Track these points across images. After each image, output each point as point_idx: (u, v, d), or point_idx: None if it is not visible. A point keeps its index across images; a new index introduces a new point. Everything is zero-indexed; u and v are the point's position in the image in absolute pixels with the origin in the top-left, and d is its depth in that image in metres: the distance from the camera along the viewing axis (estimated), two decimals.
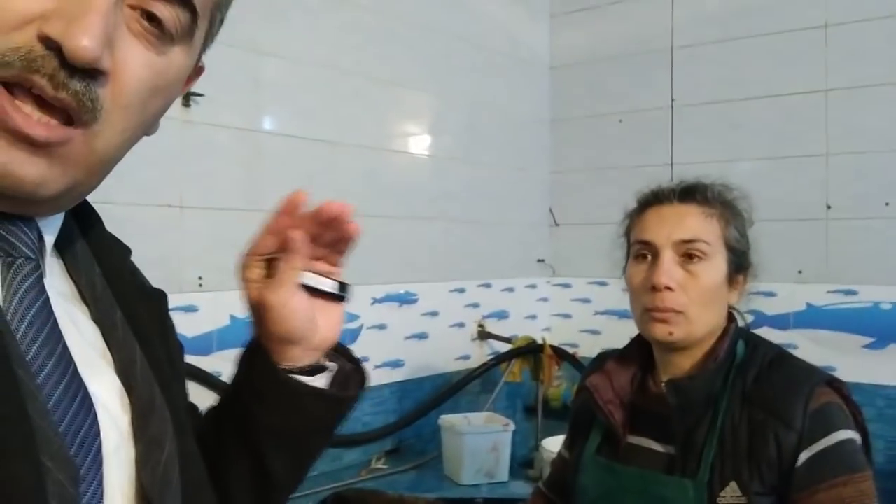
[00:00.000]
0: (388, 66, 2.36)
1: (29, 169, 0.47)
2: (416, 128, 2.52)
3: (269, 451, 0.70)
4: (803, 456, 1.10)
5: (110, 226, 0.67)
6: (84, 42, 0.45)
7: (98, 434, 0.50)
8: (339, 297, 0.71)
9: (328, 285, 0.70)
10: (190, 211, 1.85)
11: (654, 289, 1.20)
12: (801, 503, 1.10)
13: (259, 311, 0.68)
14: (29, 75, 0.45)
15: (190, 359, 1.79)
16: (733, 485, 1.13)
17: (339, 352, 0.75)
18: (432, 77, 2.53)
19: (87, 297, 0.57)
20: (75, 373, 0.50)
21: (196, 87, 1.98)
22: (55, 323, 0.50)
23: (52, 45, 0.45)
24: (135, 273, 0.66)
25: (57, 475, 0.45)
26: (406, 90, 2.45)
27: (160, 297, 0.67)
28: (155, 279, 0.68)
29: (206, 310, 1.86)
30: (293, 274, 0.67)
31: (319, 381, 0.71)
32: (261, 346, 0.69)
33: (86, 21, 0.45)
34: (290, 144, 2.08)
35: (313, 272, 0.69)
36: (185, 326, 1.82)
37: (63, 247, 0.57)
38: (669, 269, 1.20)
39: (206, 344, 1.87)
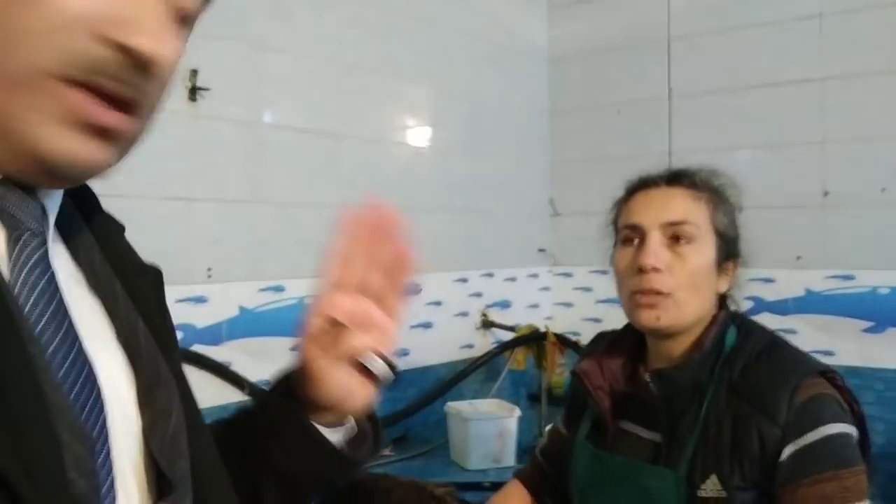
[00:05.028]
0: (388, 60, 2.39)
1: (99, 156, 0.50)
2: (417, 120, 2.54)
3: (267, 486, 0.70)
4: (788, 450, 1.07)
5: (120, 219, 0.67)
6: (155, 46, 0.48)
7: (103, 406, 0.50)
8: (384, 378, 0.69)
9: (381, 370, 0.68)
10: (198, 204, 1.87)
11: (641, 270, 1.18)
12: (783, 497, 1.08)
13: (304, 369, 0.69)
14: (95, 78, 0.47)
15: (199, 349, 1.85)
16: (714, 478, 1.11)
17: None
18: (432, 70, 2.55)
19: (87, 272, 0.58)
20: (80, 347, 0.50)
21: (202, 81, 1.99)
22: (61, 298, 0.51)
23: (115, 47, 0.47)
24: (129, 249, 0.66)
25: (74, 446, 0.46)
26: (406, 83, 2.47)
27: (156, 272, 0.67)
28: (164, 272, 0.69)
29: (215, 301, 1.89)
30: (352, 352, 0.67)
31: (336, 435, 0.71)
32: (292, 387, 0.70)
33: (151, 25, 0.48)
34: (293, 137, 2.11)
35: (370, 349, 0.67)
36: (194, 317, 1.85)
37: (61, 223, 0.57)
38: (656, 250, 1.18)
39: (216, 334, 1.90)
